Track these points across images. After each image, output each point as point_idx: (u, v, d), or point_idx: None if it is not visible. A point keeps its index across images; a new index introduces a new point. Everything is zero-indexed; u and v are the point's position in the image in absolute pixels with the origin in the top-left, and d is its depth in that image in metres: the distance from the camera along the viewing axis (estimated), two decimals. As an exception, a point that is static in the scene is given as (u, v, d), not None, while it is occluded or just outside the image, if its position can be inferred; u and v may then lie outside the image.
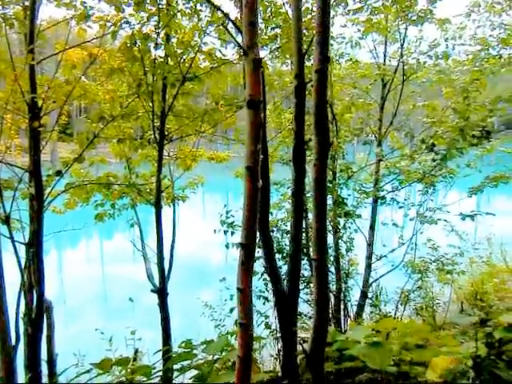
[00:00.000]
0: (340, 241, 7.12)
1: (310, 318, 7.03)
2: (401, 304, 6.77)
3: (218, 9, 3.77)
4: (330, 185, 6.30)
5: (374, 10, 4.96)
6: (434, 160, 5.67)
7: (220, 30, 5.08)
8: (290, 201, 3.49)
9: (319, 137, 2.61)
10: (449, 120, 5.45)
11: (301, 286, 6.92)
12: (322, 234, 2.68)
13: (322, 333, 2.61)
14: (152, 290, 5.07)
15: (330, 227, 6.86)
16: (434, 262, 6.58)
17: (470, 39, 6.15)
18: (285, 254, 7.00)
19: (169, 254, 5.39)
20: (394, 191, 6.44)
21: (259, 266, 6.62)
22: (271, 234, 7.10)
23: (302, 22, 3.06)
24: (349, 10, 5.33)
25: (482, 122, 5.15)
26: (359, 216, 6.98)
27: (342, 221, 7.05)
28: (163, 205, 5.60)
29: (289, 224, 7.31)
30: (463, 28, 6.47)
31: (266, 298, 6.43)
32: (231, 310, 5.92)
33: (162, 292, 5.01)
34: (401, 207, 6.52)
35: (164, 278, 5.07)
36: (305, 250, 7.11)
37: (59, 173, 4.89)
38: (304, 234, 7.18)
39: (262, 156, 2.16)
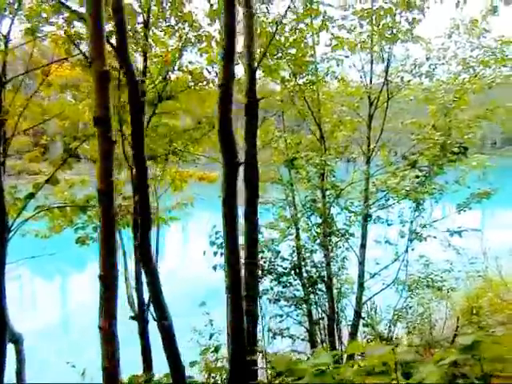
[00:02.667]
0: (332, 260, 7.08)
1: (303, 339, 6.93)
2: (393, 323, 6.67)
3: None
4: (318, 204, 6.29)
5: (351, 28, 5.03)
6: (417, 177, 5.67)
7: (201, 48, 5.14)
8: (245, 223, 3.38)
9: (226, 156, 2.49)
10: (434, 137, 5.48)
11: (291, 308, 6.89)
12: (236, 257, 2.56)
13: (240, 361, 2.50)
14: (131, 317, 4.92)
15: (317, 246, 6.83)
16: (423, 279, 6.51)
17: (450, 59, 6.25)
18: (276, 276, 6.93)
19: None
20: (382, 209, 6.42)
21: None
22: (262, 254, 7.07)
23: (253, 38, 3.06)
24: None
25: (460, 139, 5.18)
26: (352, 234, 6.95)
27: (334, 239, 7.01)
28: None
29: (281, 244, 7.30)
30: (446, 49, 6.59)
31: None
32: (211, 336, 5.77)
33: (141, 319, 4.87)
34: (389, 225, 6.49)
35: (143, 305, 4.94)
36: (297, 270, 7.06)
37: (32, 195, 4.79)
38: (296, 254, 7.15)
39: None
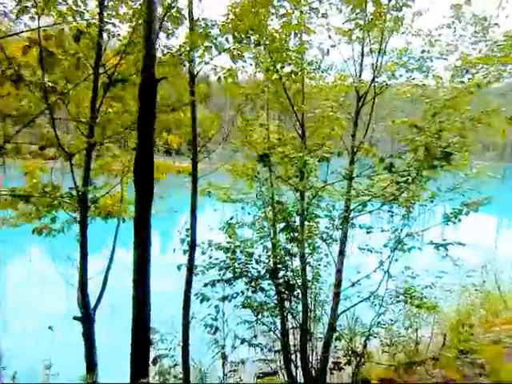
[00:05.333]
0: (310, 266, 6.59)
1: (270, 350, 6.46)
2: (367, 338, 6.15)
3: None
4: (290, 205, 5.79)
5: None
6: (397, 182, 5.11)
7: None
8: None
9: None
10: (419, 138, 4.90)
11: (263, 315, 6.42)
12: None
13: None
14: (75, 318, 4.51)
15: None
16: (401, 294, 5.97)
17: (448, 53, 5.62)
18: (250, 279, 6.47)
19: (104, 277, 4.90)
20: (359, 214, 5.88)
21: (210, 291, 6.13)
22: (234, 256, 6.62)
23: (153, 4, 2.52)
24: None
25: (443, 143, 4.59)
26: (334, 240, 6.43)
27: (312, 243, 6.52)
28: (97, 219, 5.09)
29: (255, 246, 6.82)
30: (448, 44, 5.99)
31: (217, 328, 5.87)
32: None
33: (86, 319, 4.47)
34: (368, 232, 5.94)
35: (87, 304, 4.53)
36: (272, 274, 6.57)
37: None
38: (272, 258, 6.66)
39: None
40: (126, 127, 4.83)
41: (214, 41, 4.53)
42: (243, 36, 5.12)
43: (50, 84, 3.89)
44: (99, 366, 4.74)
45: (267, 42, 5.27)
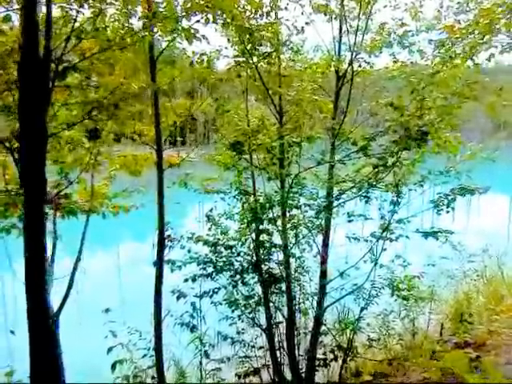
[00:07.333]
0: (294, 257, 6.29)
1: (253, 347, 6.20)
2: (354, 333, 5.86)
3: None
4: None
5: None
6: (375, 166, 4.76)
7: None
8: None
9: None
10: (397, 118, 4.54)
11: (245, 310, 6.15)
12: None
13: None
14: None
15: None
16: (386, 286, 5.65)
17: (429, 26, 5.23)
18: (233, 273, 6.20)
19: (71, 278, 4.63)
20: (339, 203, 5.54)
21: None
22: (216, 249, 6.33)
23: None
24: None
25: (419, 121, 4.22)
26: (319, 229, 6.12)
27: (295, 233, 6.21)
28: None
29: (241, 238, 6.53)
30: (435, 18, 5.61)
31: (194, 326, 5.60)
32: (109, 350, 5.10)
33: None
34: (350, 221, 5.61)
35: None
36: (255, 267, 6.29)
37: None
38: (256, 249, 6.38)
39: None
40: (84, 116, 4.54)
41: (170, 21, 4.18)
42: (209, 16, 4.76)
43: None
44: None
45: (230, 21, 4.93)
